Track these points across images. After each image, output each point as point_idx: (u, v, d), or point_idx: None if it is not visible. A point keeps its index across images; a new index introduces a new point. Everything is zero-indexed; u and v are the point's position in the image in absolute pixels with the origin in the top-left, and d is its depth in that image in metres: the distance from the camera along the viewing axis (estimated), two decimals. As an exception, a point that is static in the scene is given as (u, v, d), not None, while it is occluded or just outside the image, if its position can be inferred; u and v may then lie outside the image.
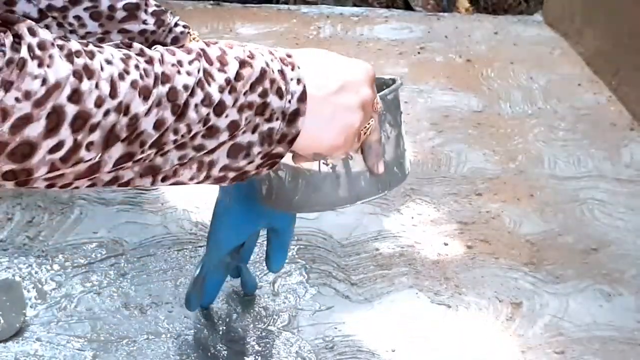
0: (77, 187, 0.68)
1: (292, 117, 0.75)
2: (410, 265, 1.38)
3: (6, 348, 1.17)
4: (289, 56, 0.77)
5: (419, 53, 2.10)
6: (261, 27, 2.17)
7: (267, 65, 0.74)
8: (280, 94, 0.74)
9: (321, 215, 1.48)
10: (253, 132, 0.74)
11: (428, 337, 1.23)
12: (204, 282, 1.18)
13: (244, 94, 0.72)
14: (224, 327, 1.22)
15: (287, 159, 0.83)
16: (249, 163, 0.75)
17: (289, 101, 0.75)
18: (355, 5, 2.68)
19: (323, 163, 0.92)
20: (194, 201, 1.47)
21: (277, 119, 0.74)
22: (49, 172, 0.64)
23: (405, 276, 1.35)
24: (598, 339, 1.26)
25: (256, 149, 0.75)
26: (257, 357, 1.17)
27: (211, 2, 2.28)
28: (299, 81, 0.76)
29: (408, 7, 2.78)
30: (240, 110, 0.72)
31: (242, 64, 0.73)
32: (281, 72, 0.75)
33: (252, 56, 0.74)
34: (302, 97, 0.76)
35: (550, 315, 1.29)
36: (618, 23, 1.97)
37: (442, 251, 1.42)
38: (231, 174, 0.76)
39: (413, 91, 1.92)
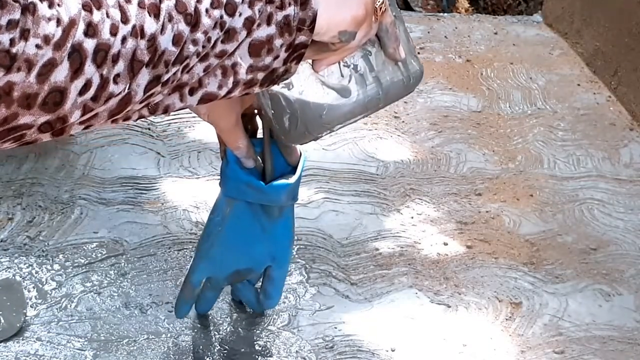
0: (114, 122, 0.67)
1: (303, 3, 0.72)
2: (410, 265, 1.38)
3: (7, 348, 1.17)
4: None
5: (419, 53, 2.10)
6: (261, 27, 2.17)
7: None
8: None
9: (321, 215, 1.48)
10: (269, 23, 0.71)
11: (428, 337, 1.23)
12: (200, 294, 1.18)
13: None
14: (224, 327, 1.22)
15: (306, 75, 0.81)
16: (275, 59, 0.73)
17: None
18: (355, 5, 2.67)
19: (344, 66, 0.89)
20: (194, 201, 1.48)
21: (289, 5, 0.71)
22: (82, 114, 0.63)
23: (405, 276, 1.35)
24: (597, 339, 1.26)
25: (278, 42, 0.72)
26: (257, 356, 1.17)
27: (211, 2, 2.28)
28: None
29: (408, 7, 2.78)
30: (251, 4, 0.69)
31: None
32: None
33: None
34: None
35: (550, 315, 1.30)
36: (617, 23, 1.97)
37: (442, 251, 1.42)
38: (260, 75, 0.73)
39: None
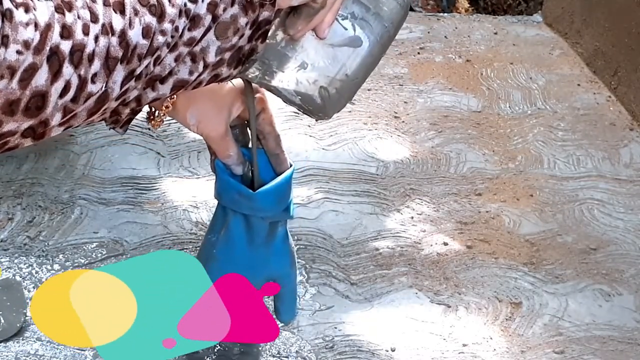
0: (92, 121, 0.68)
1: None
2: (410, 265, 1.38)
3: (7, 347, 1.17)
4: None
5: (418, 53, 2.10)
6: (261, 27, 2.17)
7: None
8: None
9: (321, 215, 1.48)
10: (232, 4, 0.72)
11: (428, 337, 1.23)
12: None
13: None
14: (224, 327, 1.22)
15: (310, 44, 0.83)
16: (240, 37, 0.74)
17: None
18: (355, 5, 2.68)
19: (342, 19, 0.89)
20: (194, 201, 1.48)
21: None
22: (63, 116, 0.64)
23: (405, 276, 1.35)
24: (597, 339, 1.26)
25: (242, 20, 0.73)
26: (257, 356, 1.17)
27: (211, 2, 2.29)
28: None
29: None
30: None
31: None
32: None
33: None
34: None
35: (550, 314, 1.30)
36: (617, 23, 1.98)
37: (442, 251, 1.42)
38: (227, 55, 0.74)
39: (413, 91, 1.92)
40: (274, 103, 1.93)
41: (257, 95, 1.01)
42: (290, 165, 1.08)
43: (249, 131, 1.06)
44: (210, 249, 1.11)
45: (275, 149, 1.05)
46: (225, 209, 1.07)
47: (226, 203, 1.07)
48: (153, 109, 0.95)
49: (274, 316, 1.17)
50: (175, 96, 0.93)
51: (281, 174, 1.06)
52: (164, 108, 0.94)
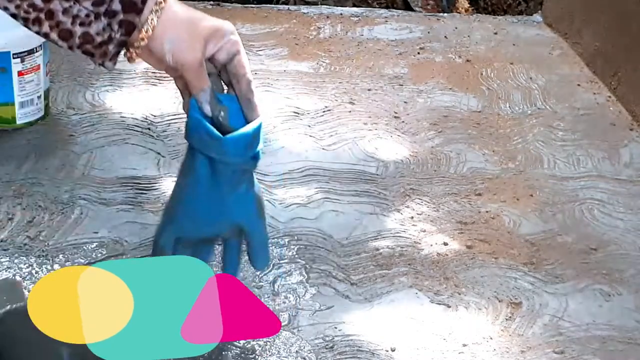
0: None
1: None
2: (410, 265, 1.38)
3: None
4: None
5: (418, 53, 2.10)
6: (261, 27, 2.17)
7: None
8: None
9: (321, 215, 1.48)
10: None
11: (428, 337, 1.24)
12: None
13: None
14: (224, 327, 1.22)
15: None
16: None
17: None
18: (355, 5, 2.68)
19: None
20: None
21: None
22: None
23: (405, 276, 1.35)
24: (597, 339, 1.26)
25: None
26: (257, 356, 1.18)
27: (211, 2, 2.28)
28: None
29: (408, 7, 2.78)
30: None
31: None
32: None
33: None
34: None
35: (550, 315, 1.30)
36: (617, 23, 1.98)
37: (442, 251, 1.42)
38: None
39: (413, 91, 1.92)
40: (272, 101, 1.93)
41: (232, 37, 1.03)
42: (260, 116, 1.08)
43: (222, 83, 1.08)
44: (178, 192, 1.11)
45: (247, 92, 1.07)
46: (194, 152, 1.06)
47: (195, 144, 1.06)
48: (131, 42, 0.98)
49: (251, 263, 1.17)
50: (154, 21, 0.97)
51: (252, 120, 1.07)
52: (143, 34, 0.96)
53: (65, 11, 0.93)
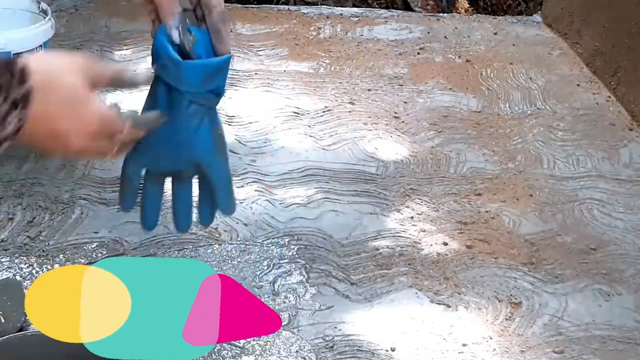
0: None
1: None
2: (409, 265, 1.38)
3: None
4: (26, 96, 0.82)
5: (418, 53, 2.10)
6: (261, 27, 2.17)
7: None
8: None
9: (321, 215, 1.48)
10: None
11: (428, 337, 1.24)
12: (144, 191, 1.16)
13: None
14: (225, 327, 1.23)
15: None
16: None
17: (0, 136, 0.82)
18: (355, 5, 2.68)
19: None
20: (193, 201, 1.47)
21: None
22: None
23: (405, 276, 1.35)
24: (597, 338, 1.26)
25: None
26: (257, 356, 1.18)
27: (211, 2, 2.29)
28: (19, 120, 0.82)
29: (408, 7, 2.79)
30: None
31: None
32: (6, 114, 0.80)
33: None
34: (13, 133, 0.82)
35: (550, 314, 1.30)
36: (617, 23, 1.98)
37: (442, 251, 1.42)
38: None
39: (413, 91, 1.92)
40: (272, 101, 1.93)
41: None
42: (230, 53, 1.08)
43: (195, 19, 1.07)
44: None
45: (217, 23, 1.06)
46: (157, 80, 1.06)
47: (157, 69, 1.06)
48: None
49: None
50: None
51: (221, 52, 1.07)
52: None
53: None
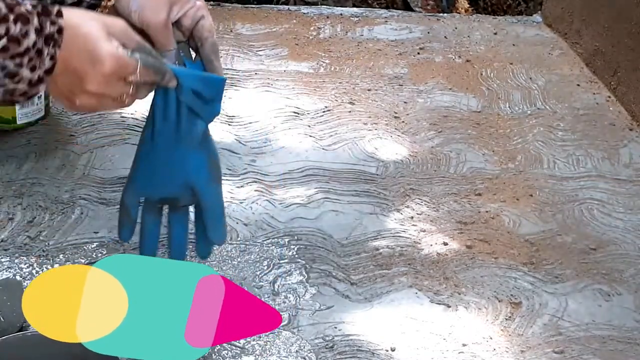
0: None
1: (36, 83, 0.90)
2: (409, 265, 1.38)
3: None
4: (59, 32, 0.90)
5: (418, 53, 2.10)
6: (261, 27, 2.17)
7: (33, 45, 0.88)
8: (32, 68, 0.89)
9: (321, 215, 1.48)
10: (0, 88, 0.88)
11: (428, 337, 1.24)
12: (141, 220, 1.18)
13: (2, 62, 0.87)
14: (225, 327, 1.23)
15: None
16: None
17: (38, 74, 0.90)
18: (355, 5, 2.68)
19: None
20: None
21: (23, 83, 0.89)
22: None
23: (405, 276, 1.35)
24: (597, 339, 1.26)
25: None
26: (257, 356, 1.18)
27: (211, 2, 2.29)
28: (52, 57, 0.90)
29: (407, 7, 2.79)
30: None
31: (10, 39, 0.86)
32: (40, 50, 0.89)
33: (25, 34, 0.87)
34: (49, 71, 0.91)
35: (550, 314, 1.30)
36: (617, 23, 1.98)
37: (442, 251, 1.42)
38: None
39: (412, 91, 1.92)
40: (272, 101, 1.93)
41: (197, 2, 1.07)
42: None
43: (190, 51, 1.11)
44: (137, 149, 1.14)
45: (210, 54, 1.10)
46: (153, 99, 1.08)
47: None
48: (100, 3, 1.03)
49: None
50: None
51: None
52: None
53: None
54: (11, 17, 0.86)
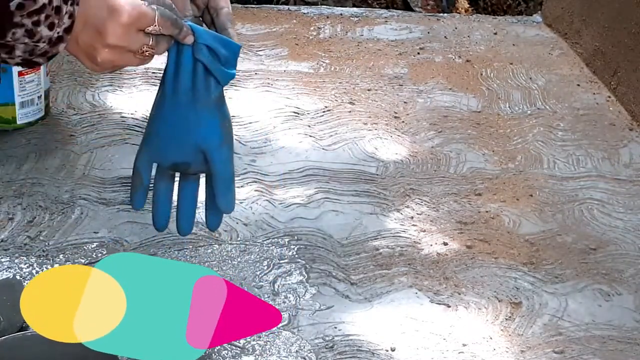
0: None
1: (56, 42, 0.91)
2: (409, 264, 1.38)
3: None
4: None
5: (418, 53, 2.10)
6: (261, 27, 2.17)
7: (49, 2, 0.87)
8: (51, 26, 0.88)
9: (321, 215, 1.48)
10: (20, 45, 0.88)
11: (428, 337, 1.24)
12: (154, 187, 1.18)
13: (19, 20, 0.86)
14: (224, 327, 1.23)
15: None
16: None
17: (57, 31, 0.90)
18: (355, 5, 2.68)
19: None
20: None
21: (43, 42, 0.89)
22: None
23: (405, 276, 1.35)
24: (597, 339, 1.26)
25: (17, 52, 0.89)
26: (257, 356, 1.18)
27: (211, 2, 2.29)
28: (71, 15, 0.90)
29: (407, 7, 2.79)
30: (13, 27, 0.86)
31: None
32: (59, 8, 0.88)
33: None
34: (69, 29, 0.91)
35: (550, 314, 1.30)
36: (617, 23, 1.98)
37: (442, 251, 1.42)
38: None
39: (413, 91, 1.92)
40: (272, 101, 1.93)
41: None
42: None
43: (202, 24, 1.12)
44: (151, 112, 1.14)
45: (226, 22, 1.11)
46: (167, 59, 1.09)
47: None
48: None
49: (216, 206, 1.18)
50: None
51: None
52: None
53: None
54: None
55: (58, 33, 0.90)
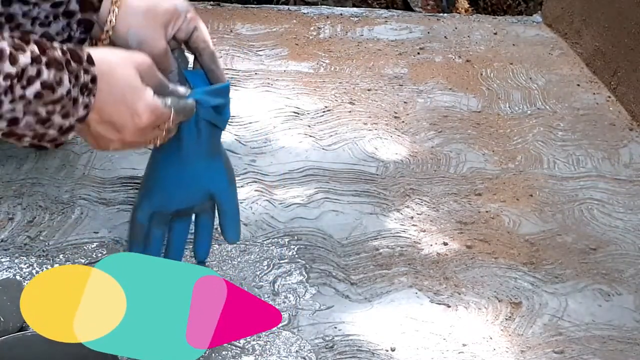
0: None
1: (67, 129, 0.90)
2: (409, 265, 1.38)
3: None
4: (93, 81, 0.89)
5: (418, 53, 2.10)
6: (261, 27, 2.17)
7: (67, 93, 0.86)
8: (65, 115, 0.87)
9: (321, 215, 1.48)
10: (29, 132, 0.87)
11: (428, 337, 1.24)
12: (149, 236, 1.17)
13: (35, 108, 0.85)
14: (225, 327, 1.23)
15: None
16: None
17: (69, 121, 0.89)
18: (355, 5, 2.68)
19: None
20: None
21: (52, 129, 0.88)
22: None
23: (405, 276, 1.35)
24: (597, 338, 1.26)
25: (27, 139, 0.88)
26: (257, 356, 1.18)
27: (211, 2, 2.29)
28: (86, 107, 0.89)
29: (407, 7, 2.78)
30: (26, 114, 0.84)
31: (45, 86, 0.84)
32: (75, 99, 0.87)
33: (59, 82, 0.85)
34: (82, 119, 0.90)
35: (550, 314, 1.30)
36: (617, 23, 1.98)
37: (442, 251, 1.42)
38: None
39: (413, 91, 1.92)
40: (272, 101, 1.93)
41: (188, 15, 1.07)
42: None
43: (186, 54, 1.11)
44: (152, 164, 1.14)
45: (210, 64, 1.10)
46: None
47: None
48: (94, 40, 1.01)
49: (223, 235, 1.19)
50: (113, 21, 1.00)
51: None
52: (104, 35, 1.00)
53: (24, 14, 0.94)
54: (44, 59, 0.83)
55: (70, 122, 0.89)
